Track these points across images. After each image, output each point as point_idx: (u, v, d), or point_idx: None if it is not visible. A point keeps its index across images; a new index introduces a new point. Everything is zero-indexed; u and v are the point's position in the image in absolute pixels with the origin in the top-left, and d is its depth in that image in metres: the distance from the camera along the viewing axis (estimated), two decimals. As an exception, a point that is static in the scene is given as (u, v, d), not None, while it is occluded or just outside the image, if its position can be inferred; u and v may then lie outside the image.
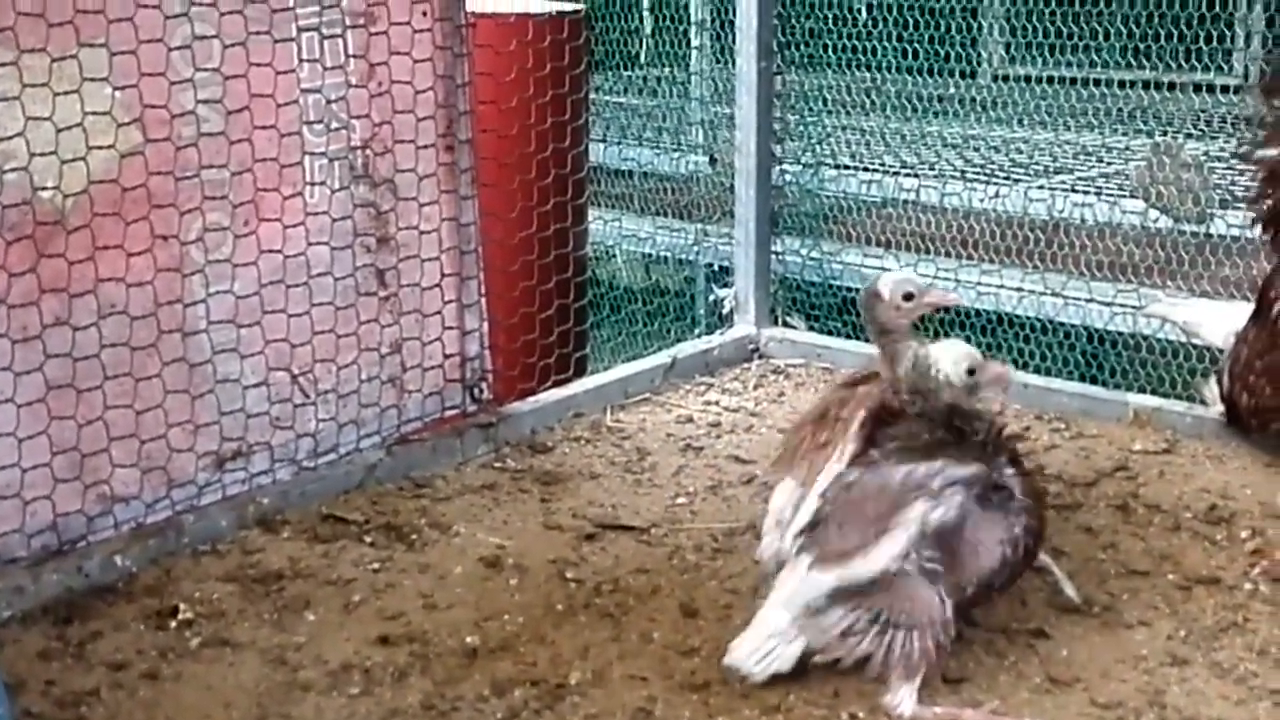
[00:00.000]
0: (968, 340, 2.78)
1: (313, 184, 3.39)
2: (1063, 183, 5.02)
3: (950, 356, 2.62)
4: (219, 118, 3.20)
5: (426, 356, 3.65)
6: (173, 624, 2.86)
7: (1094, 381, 4.35)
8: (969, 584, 2.54)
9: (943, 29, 5.31)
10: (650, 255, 6.15)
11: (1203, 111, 5.31)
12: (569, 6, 4.88)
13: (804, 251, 4.92)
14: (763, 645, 2.57)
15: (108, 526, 3.11)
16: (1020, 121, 5.64)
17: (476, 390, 3.75)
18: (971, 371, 2.62)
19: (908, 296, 2.85)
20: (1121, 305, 4.33)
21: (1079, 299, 4.49)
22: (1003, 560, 2.55)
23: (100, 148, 3.02)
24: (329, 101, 3.39)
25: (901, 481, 2.53)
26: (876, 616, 2.49)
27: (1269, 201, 2.76)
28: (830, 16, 5.37)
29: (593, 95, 5.18)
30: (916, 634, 2.48)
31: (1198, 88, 5.20)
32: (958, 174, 5.15)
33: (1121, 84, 5.12)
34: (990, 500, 2.54)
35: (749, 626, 2.62)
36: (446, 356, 3.69)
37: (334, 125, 3.41)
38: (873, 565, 2.49)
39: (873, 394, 2.75)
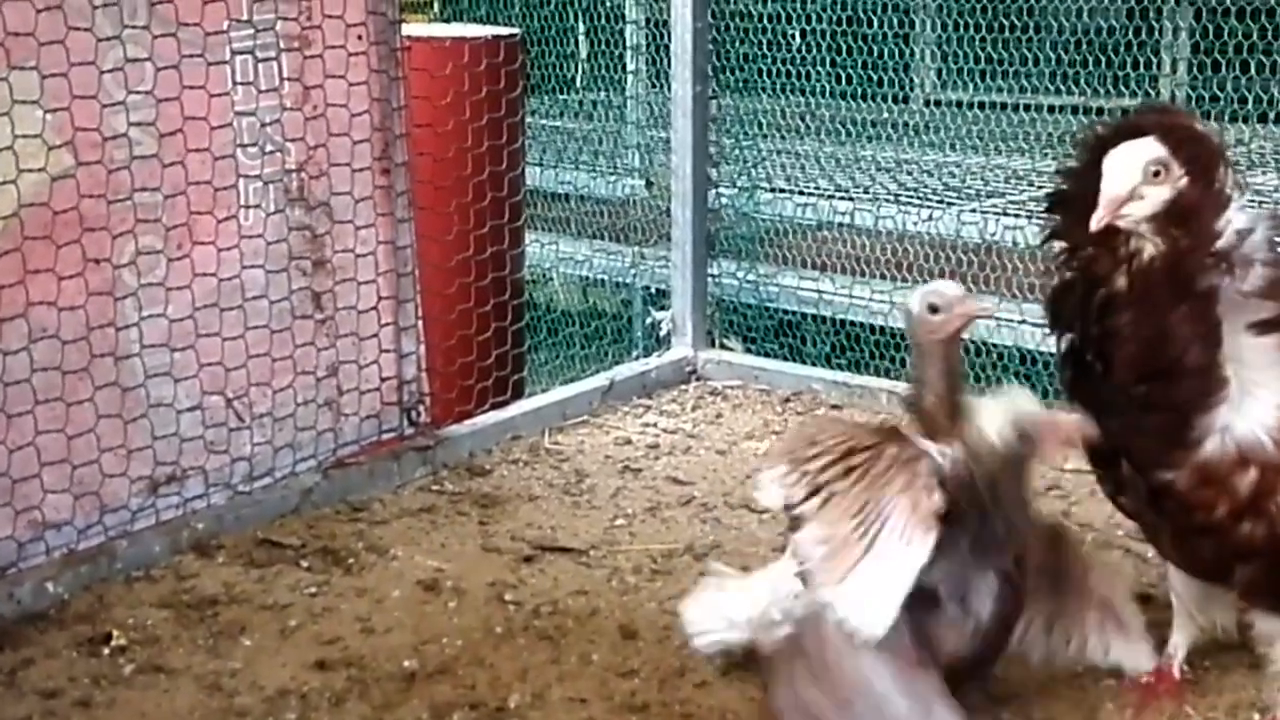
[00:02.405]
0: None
1: (247, 207, 3.37)
2: (995, 206, 5.08)
3: (992, 416, 2.35)
4: (152, 140, 3.18)
5: (363, 380, 3.64)
6: (106, 651, 2.83)
7: (1027, 402, 4.39)
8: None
9: (875, 54, 5.37)
10: (587, 278, 6.15)
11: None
12: (505, 30, 4.88)
13: (740, 274, 4.95)
14: (714, 625, 2.52)
15: (39, 552, 3.07)
16: (952, 146, 5.69)
17: (414, 413, 3.74)
18: (1024, 436, 2.36)
19: (933, 309, 2.44)
20: (1053, 326, 4.38)
21: (1011, 320, 4.54)
22: (951, 658, 2.37)
23: (31, 171, 2.99)
24: (263, 124, 3.38)
25: None
26: None
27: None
28: (764, 42, 5.41)
29: (529, 119, 5.18)
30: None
31: (1125, 113, 5.27)
32: (891, 197, 5.19)
33: (1051, 109, 5.19)
34: (953, 611, 2.36)
35: (707, 589, 2.58)
36: (383, 379, 3.68)
37: (268, 148, 3.39)
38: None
39: (923, 473, 2.36)
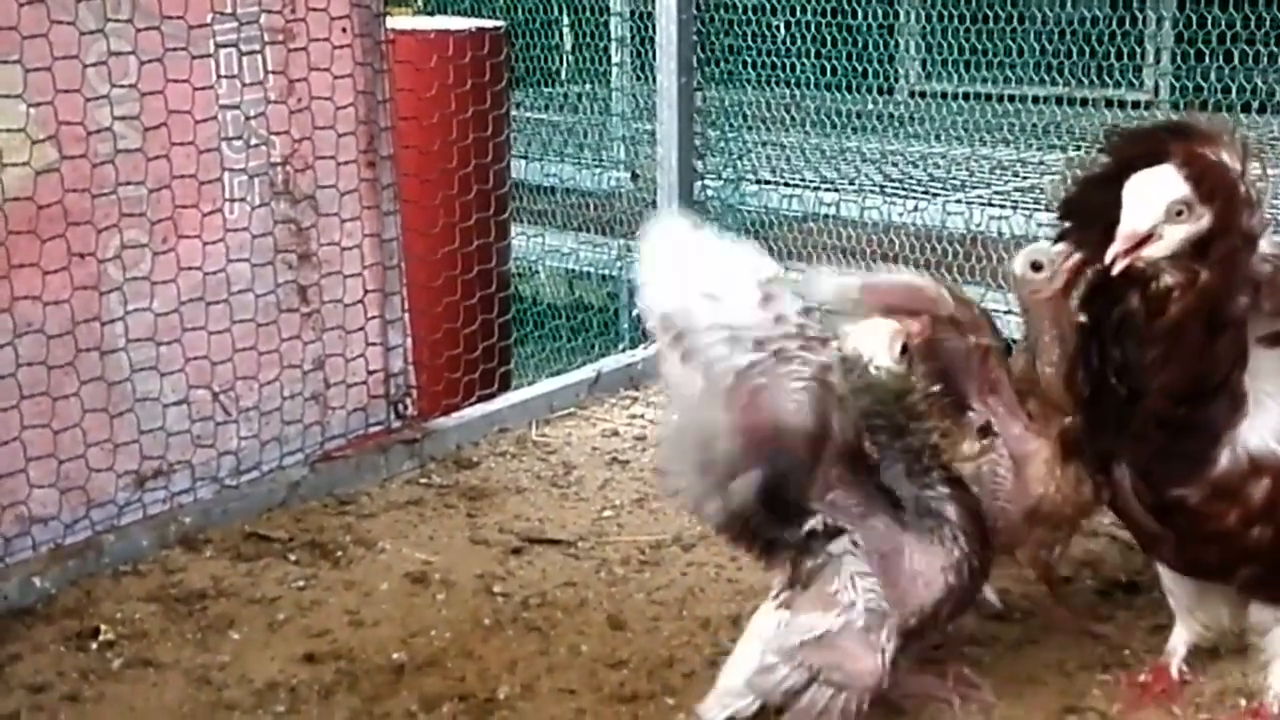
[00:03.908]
0: None
1: (232, 200, 3.37)
2: (980, 197, 5.08)
3: (873, 338, 2.40)
4: (136, 134, 3.17)
5: (350, 373, 3.63)
6: (94, 645, 2.83)
7: (1013, 391, 4.40)
8: (913, 616, 2.39)
9: (860, 46, 5.37)
10: (573, 271, 6.16)
11: (1115, 126, 5.40)
12: (489, 23, 4.88)
13: (726, 266, 4.94)
14: (721, 701, 2.46)
15: (26, 548, 3.06)
16: (937, 137, 5.70)
17: (400, 406, 3.74)
18: (904, 349, 2.40)
19: (1036, 267, 2.49)
20: (1039, 316, 4.38)
21: (997, 311, 4.52)
22: (947, 589, 2.39)
23: (15, 165, 2.99)
24: (248, 118, 3.37)
25: None
26: (814, 675, 2.38)
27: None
28: (749, 33, 5.41)
29: (514, 111, 5.18)
30: (845, 695, 2.38)
31: (1110, 103, 5.28)
32: (877, 188, 5.20)
33: (1036, 100, 5.19)
34: (924, 528, 2.39)
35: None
36: (370, 373, 3.68)
37: (253, 141, 3.39)
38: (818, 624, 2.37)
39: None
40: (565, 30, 6.55)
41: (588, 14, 6.20)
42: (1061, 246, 2.47)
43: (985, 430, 2.57)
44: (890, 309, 2.50)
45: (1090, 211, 2.34)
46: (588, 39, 6.22)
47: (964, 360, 2.60)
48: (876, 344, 2.40)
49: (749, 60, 5.38)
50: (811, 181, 5.34)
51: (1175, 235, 2.21)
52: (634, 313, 4.90)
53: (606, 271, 5.87)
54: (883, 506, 2.40)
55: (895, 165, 5.55)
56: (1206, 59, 4.68)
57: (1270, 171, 2.39)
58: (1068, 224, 2.40)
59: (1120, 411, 2.36)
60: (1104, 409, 2.39)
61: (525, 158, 5.98)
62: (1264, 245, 2.31)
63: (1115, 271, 2.23)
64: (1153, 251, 2.22)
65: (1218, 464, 2.30)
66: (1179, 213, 2.21)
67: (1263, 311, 2.28)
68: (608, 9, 6.14)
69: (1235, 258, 2.24)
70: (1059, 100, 5.23)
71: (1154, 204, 2.21)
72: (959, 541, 2.40)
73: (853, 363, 2.35)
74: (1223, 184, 2.24)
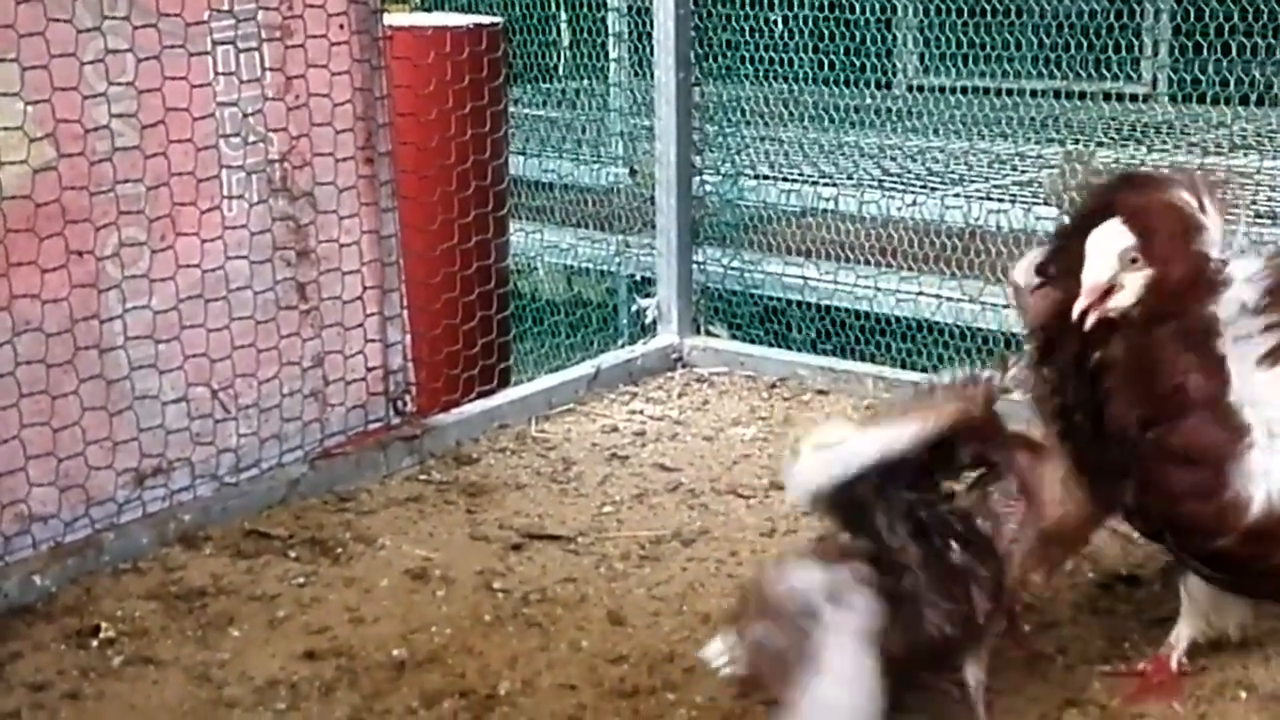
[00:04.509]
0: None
1: (230, 198, 3.36)
2: (978, 190, 5.08)
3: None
4: (134, 132, 3.17)
5: (349, 370, 3.63)
6: (94, 643, 2.83)
7: (1012, 385, 4.40)
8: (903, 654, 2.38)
9: (858, 40, 5.36)
10: (572, 267, 6.15)
11: (1113, 119, 5.40)
12: (486, 19, 4.87)
13: (725, 261, 4.94)
14: (724, 649, 2.46)
15: (26, 546, 3.06)
16: (935, 131, 5.70)
17: (400, 403, 3.74)
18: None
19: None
20: (1038, 310, 4.38)
21: (996, 304, 4.54)
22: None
23: (13, 163, 2.98)
24: (246, 115, 3.37)
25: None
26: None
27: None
28: (747, 29, 5.41)
29: (512, 108, 5.17)
30: None
31: (1108, 96, 5.28)
32: (875, 183, 5.19)
33: (1034, 93, 5.19)
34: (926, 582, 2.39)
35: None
36: (369, 369, 3.67)
37: (251, 139, 3.38)
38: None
39: None
40: (563, 26, 6.54)
41: (585, 9, 6.19)
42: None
43: (979, 463, 2.51)
44: None
45: (1067, 265, 2.43)
46: (585, 35, 6.22)
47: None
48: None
49: (747, 55, 5.38)
50: (810, 176, 5.34)
51: (1135, 282, 2.35)
52: (632, 308, 4.90)
53: (605, 267, 5.86)
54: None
55: (893, 159, 5.55)
56: (1204, 52, 4.68)
57: (1268, 167, 2.43)
58: (1048, 279, 2.49)
59: (1112, 457, 2.40)
60: (1097, 461, 2.44)
61: (523, 154, 5.97)
62: (1248, 266, 2.38)
63: (1088, 325, 2.35)
64: (1119, 301, 2.36)
65: (1249, 512, 2.31)
66: (1133, 260, 2.35)
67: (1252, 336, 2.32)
68: (605, 4, 6.13)
69: (1192, 292, 2.34)
70: (1057, 94, 5.23)
71: (1108, 256, 2.35)
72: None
73: None
74: (1167, 225, 2.36)
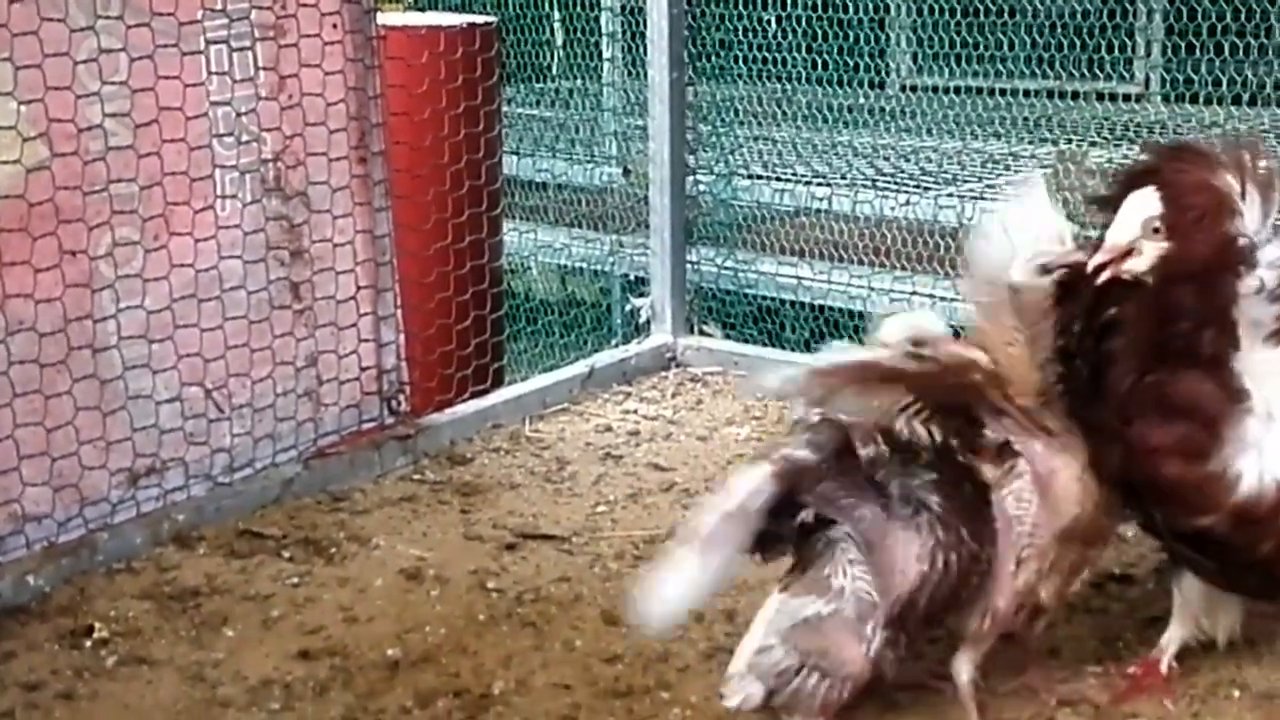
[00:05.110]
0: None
1: (224, 197, 3.36)
2: (971, 190, 5.09)
3: (897, 326, 2.51)
4: (127, 131, 3.16)
5: (343, 369, 3.63)
6: (88, 643, 2.82)
7: (1005, 384, 4.40)
8: (895, 605, 2.38)
9: (851, 40, 5.37)
10: (565, 266, 6.15)
11: (1106, 119, 5.42)
12: (480, 18, 4.87)
13: (719, 261, 4.95)
14: (732, 686, 2.46)
15: (19, 546, 3.05)
16: (929, 131, 5.71)
17: (394, 402, 3.74)
18: (918, 344, 2.48)
19: (1044, 271, 2.49)
20: (1031, 309, 4.39)
21: (991, 303, 4.55)
22: (921, 577, 2.38)
23: (6, 163, 2.98)
24: (239, 114, 3.36)
25: None
26: (804, 659, 2.40)
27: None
28: (740, 28, 5.41)
29: (505, 107, 5.18)
30: (827, 683, 2.39)
31: (1101, 96, 5.30)
32: (869, 183, 5.20)
33: (1027, 93, 5.21)
34: (905, 516, 2.39)
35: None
36: (363, 369, 3.67)
37: (244, 138, 3.38)
38: (809, 608, 2.41)
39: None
40: (556, 25, 6.54)
41: (578, 9, 6.20)
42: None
43: (1004, 450, 2.48)
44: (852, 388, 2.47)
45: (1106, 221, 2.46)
46: (579, 34, 6.22)
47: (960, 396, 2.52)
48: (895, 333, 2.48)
49: (741, 55, 5.39)
50: (803, 176, 5.35)
51: (1152, 251, 2.37)
52: (626, 308, 4.90)
53: (599, 267, 5.87)
54: (871, 497, 2.41)
55: (887, 159, 5.55)
56: (1197, 51, 4.70)
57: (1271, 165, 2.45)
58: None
59: (1104, 414, 2.40)
60: (1091, 415, 2.44)
61: (517, 153, 5.97)
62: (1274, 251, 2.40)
63: (1099, 281, 2.38)
64: (1134, 265, 2.38)
65: (1238, 490, 2.31)
66: (1155, 230, 2.37)
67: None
68: (599, 4, 6.13)
69: (1183, 258, 2.35)
70: (1050, 94, 5.24)
71: (1133, 221, 2.38)
72: (935, 530, 2.39)
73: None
74: (1198, 201, 2.37)
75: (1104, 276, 2.37)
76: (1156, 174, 2.41)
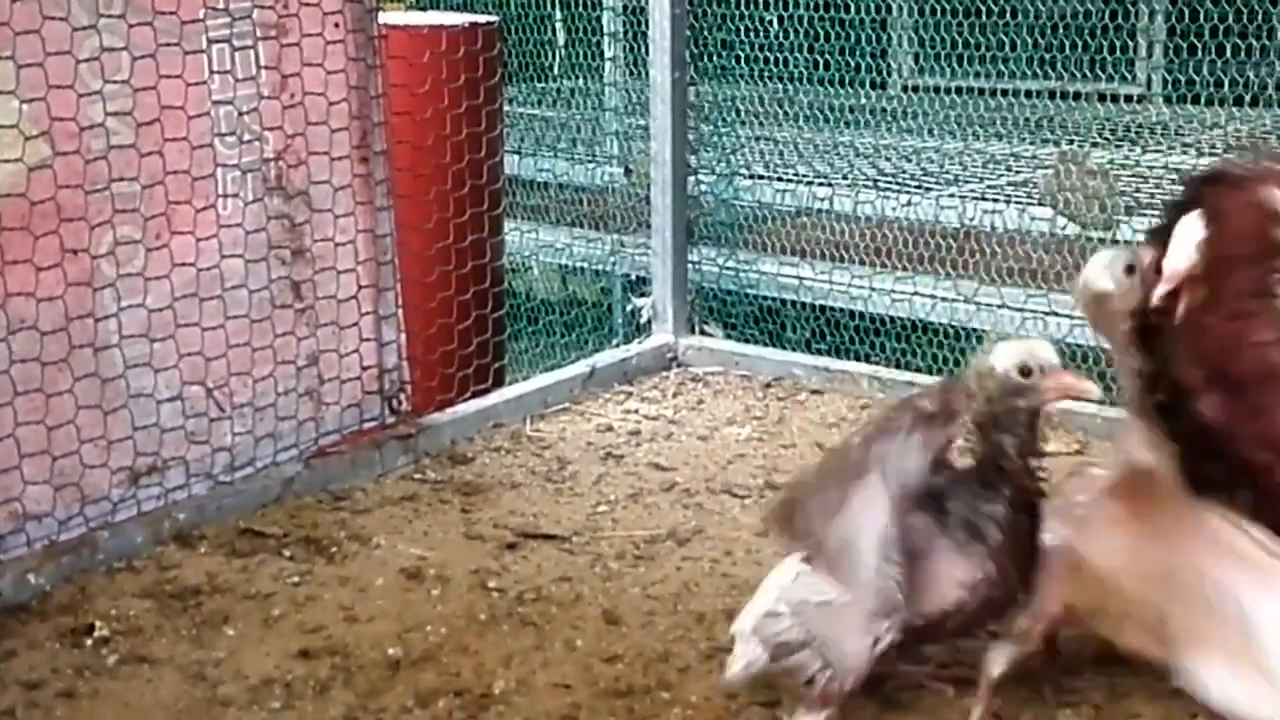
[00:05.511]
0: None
1: (226, 196, 3.36)
2: (973, 191, 5.09)
3: (1008, 351, 2.40)
4: (129, 130, 3.16)
5: (344, 369, 3.63)
6: (89, 642, 2.83)
7: (1007, 386, 4.40)
8: (919, 617, 2.39)
9: (852, 40, 5.36)
10: (567, 266, 6.15)
11: (1108, 120, 5.41)
12: (482, 18, 4.87)
13: (720, 260, 4.95)
14: (738, 650, 2.47)
15: (20, 544, 3.06)
16: (930, 131, 5.70)
17: (395, 402, 3.74)
18: (1026, 372, 2.38)
19: (1130, 270, 2.47)
20: (1032, 310, 4.39)
21: (990, 304, 4.55)
22: (958, 604, 2.40)
23: (7, 161, 2.98)
24: (241, 113, 3.36)
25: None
26: (809, 639, 2.39)
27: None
28: (742, 28, 5.41)
29: (507, 107, 5.17)
30: (829, 672, 2.38)
31: (1102, 97, 5.29)
32: (870, 183, 5.20)
33: (1029, 94, 5.19)
34: (959, 539, 2.40)
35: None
36: (364, 368, 3.67)
37: (246, 137, 3.38)
38: (829, 589, 2.39)
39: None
40: (558, 25, 6.54)
41: (580, 9, 6.19)
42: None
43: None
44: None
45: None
46: (580, 34, 6.22)
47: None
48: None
49: (742, 55, 5.38)
50: (805, 176, 5.34)
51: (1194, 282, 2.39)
52: (627, 308, 4.91)
53: (600, 266, 5.86)
54: (928, 508, 2.41)
55: (888, 159, 5.55)
56: (1199, 52, 4.69)
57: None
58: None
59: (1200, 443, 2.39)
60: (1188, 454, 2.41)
61: (518, 153, 5.97)
62: None
63: (1156, 301, 2.40)
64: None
65: None
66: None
67: None
68: (600, 4, 6.13)
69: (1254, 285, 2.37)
70: (1051, 94, 5.23)
71: (1186, 246, 2.40)
72: (985, 564, 2.39)
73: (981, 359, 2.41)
74: (1231, 222, 2.40)
75: (1161, 298, 2.38)
76: (1200, 198, 2.45)
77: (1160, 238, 2.49)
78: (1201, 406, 2.38)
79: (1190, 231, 2.41)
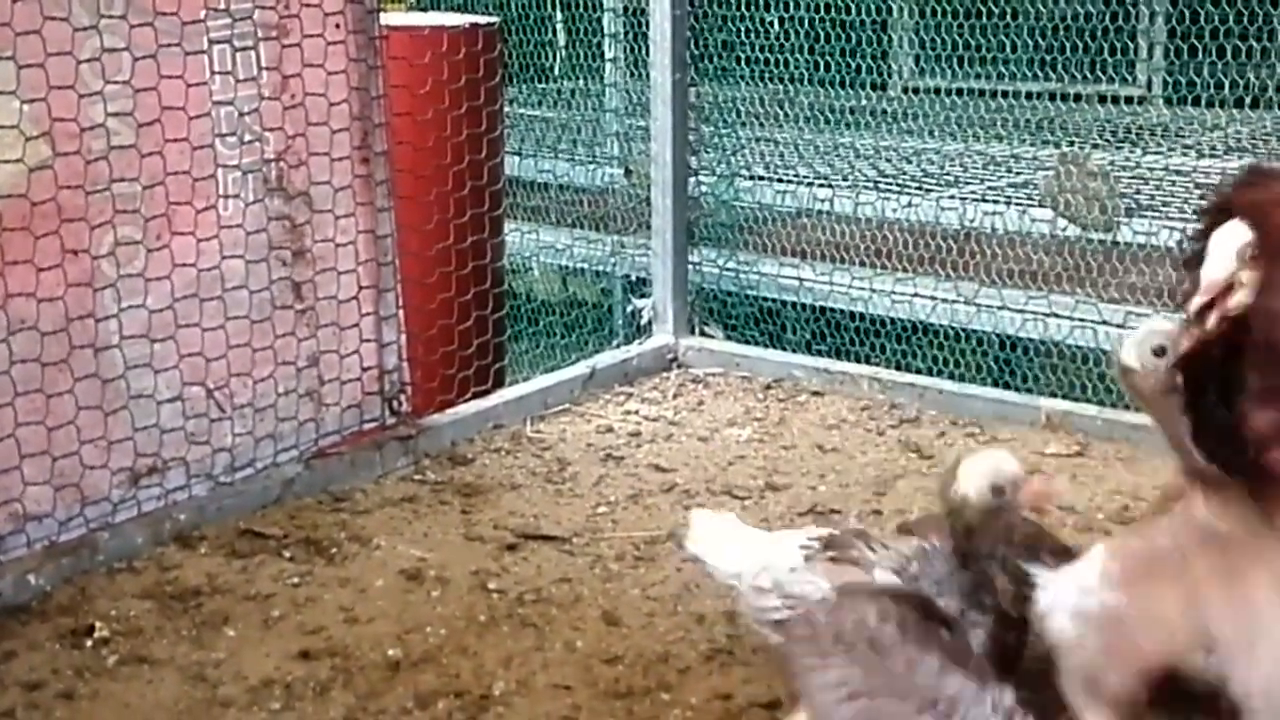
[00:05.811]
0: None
1: (226, 197, 3.36)
2: (973, 192, 5.09)
3: (974, 474, 2.22)
4: (130, 131, 3.16)
5: (344, 369, 3.63)
6: (89, 642, 2.83)
7: (1006, 387, 4.41)
8: None
9: (853, 42, 5.36)
10: (567, 267, 6.14)
11: (1108, 122, 5.41)
12: (483, 18, 4.87)
13: (720, 262, 4.94)
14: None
15: (20, 545, 3.06)
16: (931, 132, 5.70)
17: (395, 403, 3.74)
18: (999, 491, 2.22)
19: (1159, 352, 2.28)
20: (1032, 312, 4.40)
21: (991, 306, 4.55)
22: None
23: (8, 162, 2.98)
24: (242, 114, 3.37)
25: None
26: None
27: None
28: (742, 30, 5.40)
29: (507, 108, 5.17)
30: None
31: (1103, 99, 5.29)
32: (871, 184, 5.19)
33: (1029, 95, 5.19)
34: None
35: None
36: (364, 369, 3.67)
37: (247, 138, 3.38)
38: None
39: None
40: (559, 26, 6.53)
41: (581, 10, 6.19)
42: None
43: None
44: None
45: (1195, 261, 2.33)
46: (581, 35, 6.21)
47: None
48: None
49: (743, 56, 5.37)
50: (805, 177, 5.34)
51: (1255, 279, 2.18)
52: (628, 309, 4.90)
53: (600, 268, 5.86)
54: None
55: (889, 161, 5.55)
56: (1199, 54, 4.69)
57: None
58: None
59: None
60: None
61: (519, 154, 5.96)
62: None
63: (1209, 324, 2.18)
64: (1240, 299, 2.18)
65: None
66: (1253, 256, 2.19)
67: None
68: (601, 4, 6.12)
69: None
70: (1052, 95, 5.23)
71: (1228, 253, 2.21)
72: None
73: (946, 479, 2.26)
74: (1271, 221, 2.27)
75: (1213, 320, 2.17)
76: (1231, 205, 2.35)
77: (1195, 259, 2.37)
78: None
79: (1229, 237, 2.22)
